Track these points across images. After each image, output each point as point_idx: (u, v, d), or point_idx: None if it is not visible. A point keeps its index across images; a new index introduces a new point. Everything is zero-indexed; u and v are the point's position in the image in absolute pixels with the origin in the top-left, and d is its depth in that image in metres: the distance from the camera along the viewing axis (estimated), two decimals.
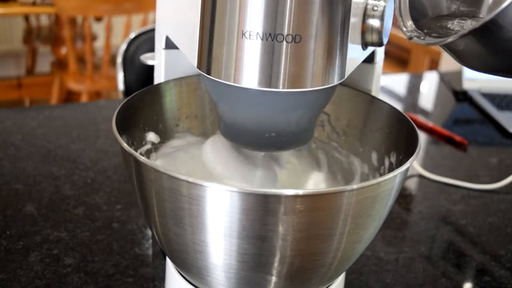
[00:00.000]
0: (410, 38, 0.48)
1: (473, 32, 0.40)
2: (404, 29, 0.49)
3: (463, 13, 0.50)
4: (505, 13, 0.38)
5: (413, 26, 0.48)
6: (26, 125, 0.99)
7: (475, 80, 1.31)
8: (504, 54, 0.42)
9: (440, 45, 0.44)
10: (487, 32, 0.39)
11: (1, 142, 0.92)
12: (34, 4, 2.58)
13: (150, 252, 0.69)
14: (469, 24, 0.47)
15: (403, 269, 0.69)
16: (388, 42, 0.55)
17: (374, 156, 0.62)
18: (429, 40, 0.46)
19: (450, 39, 0.42)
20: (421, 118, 1.14)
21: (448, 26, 0.48)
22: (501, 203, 0.85)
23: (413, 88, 1.40)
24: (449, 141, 1.06)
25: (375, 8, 0.51)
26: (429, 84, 1.42)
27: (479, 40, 0.41)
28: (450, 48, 0.45)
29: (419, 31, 0.48)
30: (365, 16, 0.51)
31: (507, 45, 0.40)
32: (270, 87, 0.46)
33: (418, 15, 0.49)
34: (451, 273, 0.70)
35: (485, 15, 0.49)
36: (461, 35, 0.40)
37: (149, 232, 0.72)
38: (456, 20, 0.48)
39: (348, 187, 0.44)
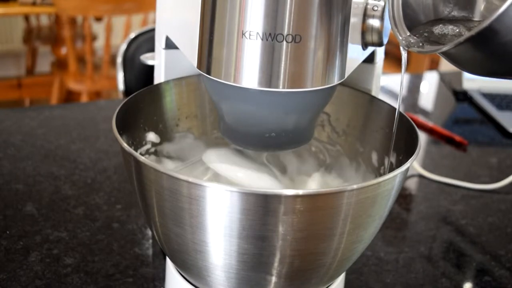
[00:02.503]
0: (408, 47, 0.48)
1: (470, 40, 0.40)
2: (400, 38, 0.49)
3: (456, 17, 0.50)
4: (500, 19, 0.38)
5: (409, 34, 0.48)
6: (26, 125, 0.99)
7: (475, 80, 1.31)
8: (500, 58, 0.42)
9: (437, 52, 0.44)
10: (484, 39, 0.39)
11: (1, 142, 0.92)
12: (34, 4, 2.58)
13: (150, 252, 0.69)
14: (463, 29, 0.47)
15: (403, 269, 0.69)
16: (388, 42, 0.55)
17: (374, 156, 0.62)
18: (426, 49, 0.46)
19: (445, 48, 0.42)
20: (421, 118, 1.14)
21: (443, 32, 0.48)
22: (501, 203, 0.85)
23: (413, 88, 1.39)
24: (449, 141, 1.06)
25: (375, 8, 0.51)
26: (429, 84, 1.42)
27: (475, 47, 0.41)
28: (447, 55, 0.45)
29: (415, 38, 0.48)
30: (365, 16, 0.51)
31: (503, 49, 0.40)
32: (270, 87, 0.46)
33: (411, 23, 0.49)
34: (451, 273, 0.70)
35: (478, 19, 0.49)
36: (457, 43, 0.40)
37: (149, 232, 0.72)
38: (449, 25, 0.48)
39: (348, 187, 0.44)
